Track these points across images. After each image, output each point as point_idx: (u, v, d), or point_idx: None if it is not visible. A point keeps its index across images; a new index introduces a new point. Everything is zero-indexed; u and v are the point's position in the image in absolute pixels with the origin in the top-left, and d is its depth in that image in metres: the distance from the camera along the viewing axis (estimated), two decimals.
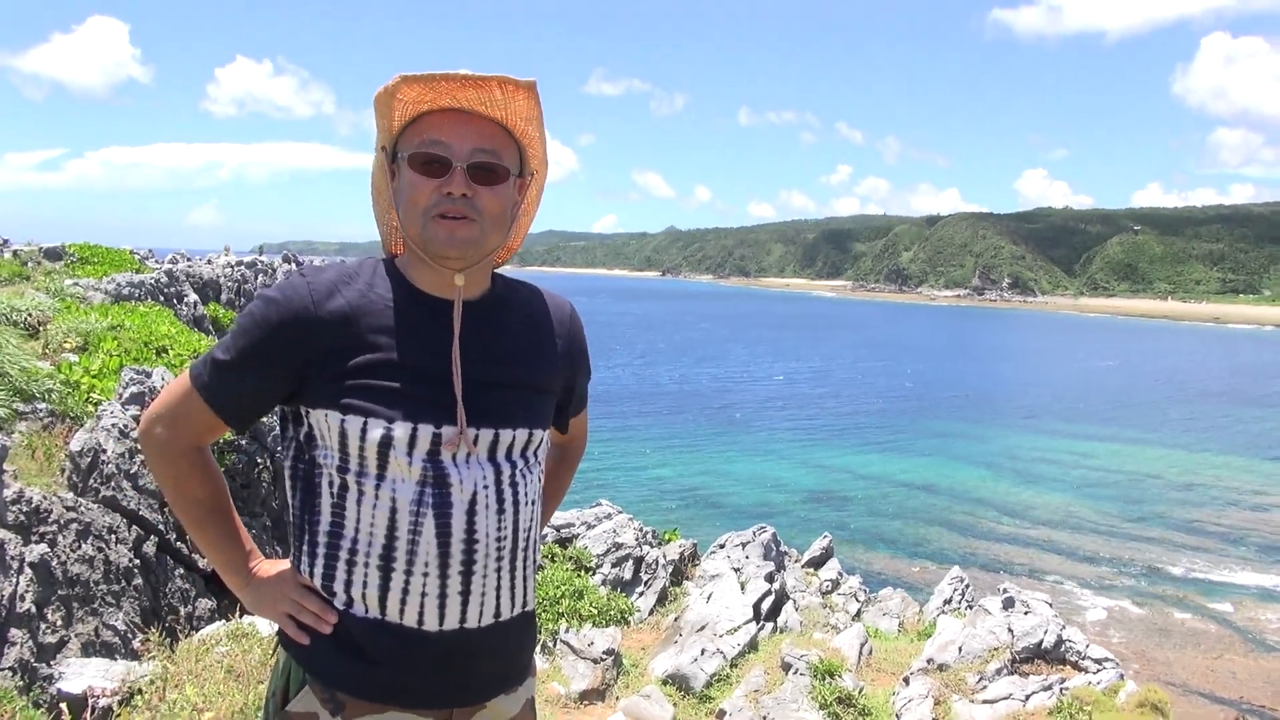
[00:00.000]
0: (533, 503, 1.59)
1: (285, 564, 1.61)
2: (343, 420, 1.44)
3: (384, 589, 1.47)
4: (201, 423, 1.54)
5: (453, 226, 1.47)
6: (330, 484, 1.48)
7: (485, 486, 1.49)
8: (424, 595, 1.47)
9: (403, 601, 1.47)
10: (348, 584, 1.49)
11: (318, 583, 1.51)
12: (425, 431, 1.45)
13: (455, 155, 1.47)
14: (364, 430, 1.43)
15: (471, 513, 1.48)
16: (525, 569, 1.58)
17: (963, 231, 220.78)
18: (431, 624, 1.48)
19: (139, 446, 5.31)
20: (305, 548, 1.53)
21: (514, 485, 1.53)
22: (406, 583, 1.46)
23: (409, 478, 1.45)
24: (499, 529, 1.51)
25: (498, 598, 1.53)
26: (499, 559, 1.51)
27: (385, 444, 1.43)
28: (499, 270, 1.68)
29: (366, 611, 1.48)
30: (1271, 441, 33.62)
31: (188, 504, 1.59)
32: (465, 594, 1.49)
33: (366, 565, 1.47)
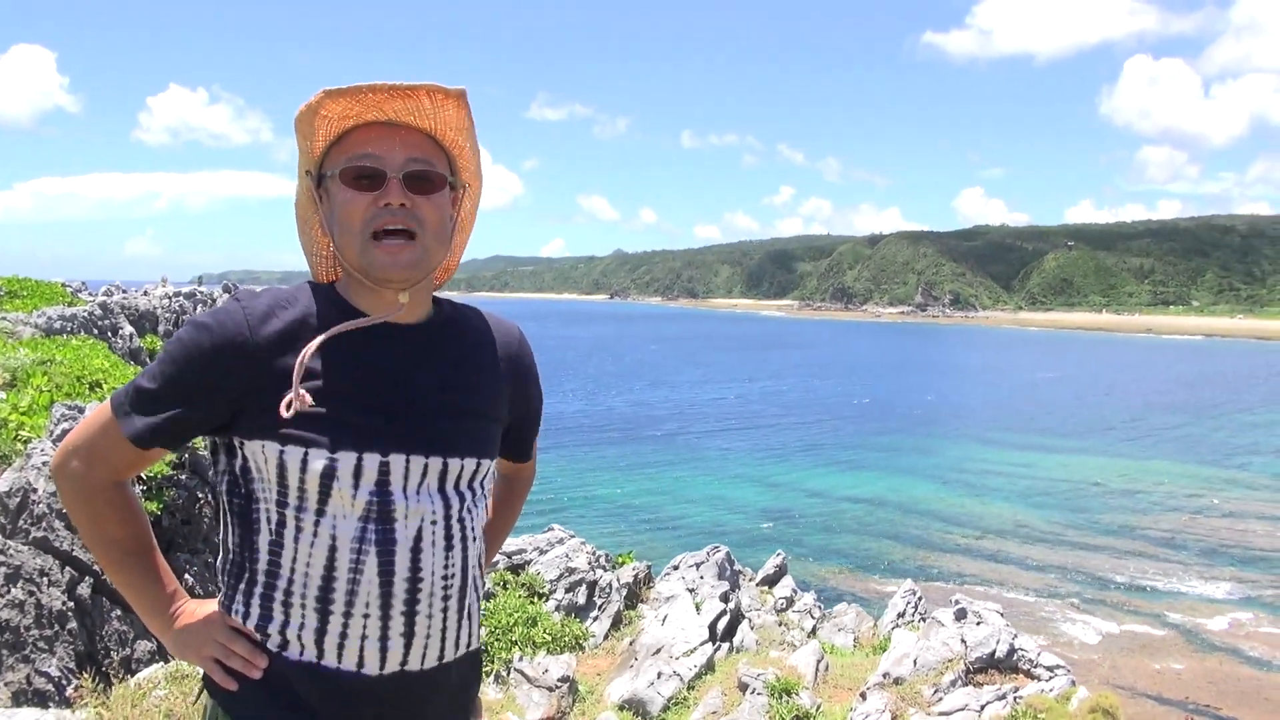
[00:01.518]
0: (478, 539, 1.52)
1: (212, 605, 1.51)
2: (281, 451, 1.35)
3: (321, 631, 1.38)
4: (120, 457, 1.43)
5: (394, 249, 1.39)
6: (269, 519, 1.39)
7: (433, 521, 1.42)
8: (364, 638, 1.38)
9: (341, 645, 1.38)
10: (284, 625, 1.39)
11: (251, 624, 1.42)
12: (371, 461, 1.37)
13: (389, 166, 1.40)
14: (304, 461, 1.35)
15: (417, 550, 1.40)
16: (472, 607, 1.51)
17: (904, 250, 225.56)
18: (372, 667, 1.39)
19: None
20: (241, 586, 1.43)
21: (462, 520, 1.46)
22: (345, 625, 1.38)
23: (351, 512, 1.37)
24: (446, 567, 1.43)
25: (442, 639, 1.45)
26: (445, 598, 1.43)
27: (328, 475, 1.35)
28: (442, 294, 1.62)
29: (302, 653, 1.39)
30: (1206, 447, 34.70)
31: (105, 543, 1.48)
32: (409, 635, 1.41)
33: (304, 606, 1.38)
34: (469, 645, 1.52)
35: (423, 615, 1.41)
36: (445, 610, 1.44)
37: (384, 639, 1.39)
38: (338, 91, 1.39)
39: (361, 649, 1.39)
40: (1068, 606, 16.90)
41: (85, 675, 4.32)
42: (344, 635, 1.38)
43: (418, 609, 1.41)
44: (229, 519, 1.46)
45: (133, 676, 4.36)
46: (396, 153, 1.41)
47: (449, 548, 1.44)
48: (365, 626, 1.38)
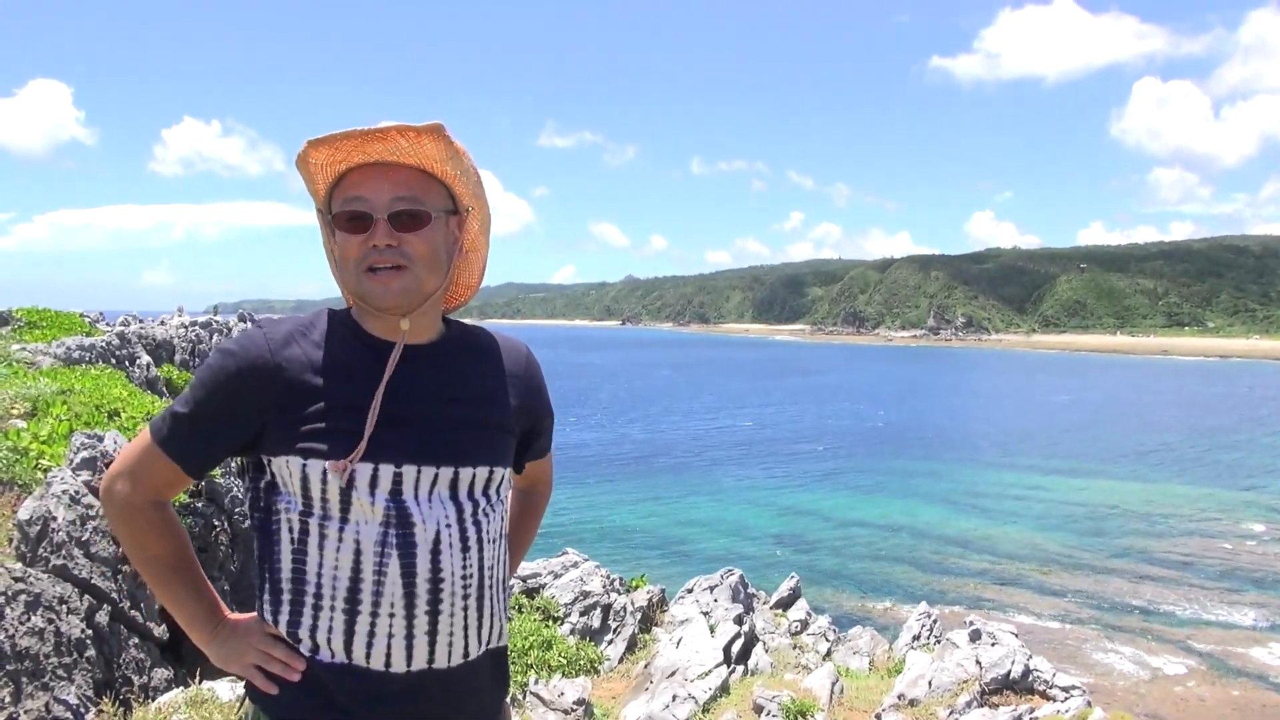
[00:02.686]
0: (496, 541, 1.60)
1: (252, 616, 1.61)
2: (304, 465, 1.47)
3: (349, 632, 1.48)
4: (162, 477, 1.56)
5: (385, 279, 1.50)
6: (290, 529, 1.50)
7: (448, 525, 1.51)
8: (390, 636, 1.48)
9: (369, 644, 1.48)
10: (313, 629, 1.50)
11: (283, 630, 1.53)
12: (386, 471, 1.47)
13: (375, 208, 1.50)
14: (325, 473, 1.46)
15: (436, 552, 1.49)
16: (493, 606, 1.60)
17: (915, 274, 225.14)
18: (399, 665, 1.49)
19: (99, 507, 5.20)
20: (274, 594, 1.54)
21: (477, 523, 1.55)
22: (373, 625, 1.48)
23: (372, 518, 1.47)
24: (464, 567, 1.52)
25: (465, 637, 1.54)
26: (465, 597, 1.53)
27: (348, 485, 1.46)
28: (456, 317, 1.73)
29: (333, 656, 1.49)
30: (1224, 470, 34.33)
31: (149, 561, 1.60)
32: (433, 634, 1.50)
33: (332, 609, 1.48)
34: (491, 643, 1.61)
35: (445, 614, 1.51)
36: (466, 608, 1.53)
37: (409, 637, 1.49)
38: (319, 141, 1.50)
39: (388, 648, 1.48)
40: (1086, 631, 16.71)
41: (106, 701, 4.35)
42: (371, 634, 1.48)
43: (440, 607, 1.50)
44: (259, 532, 1.57)
45: (152, 702, 4.40)
46: (383, 193, 1.51)
47: (465, 549, 1.53)
48: (391, 625, 1.48)
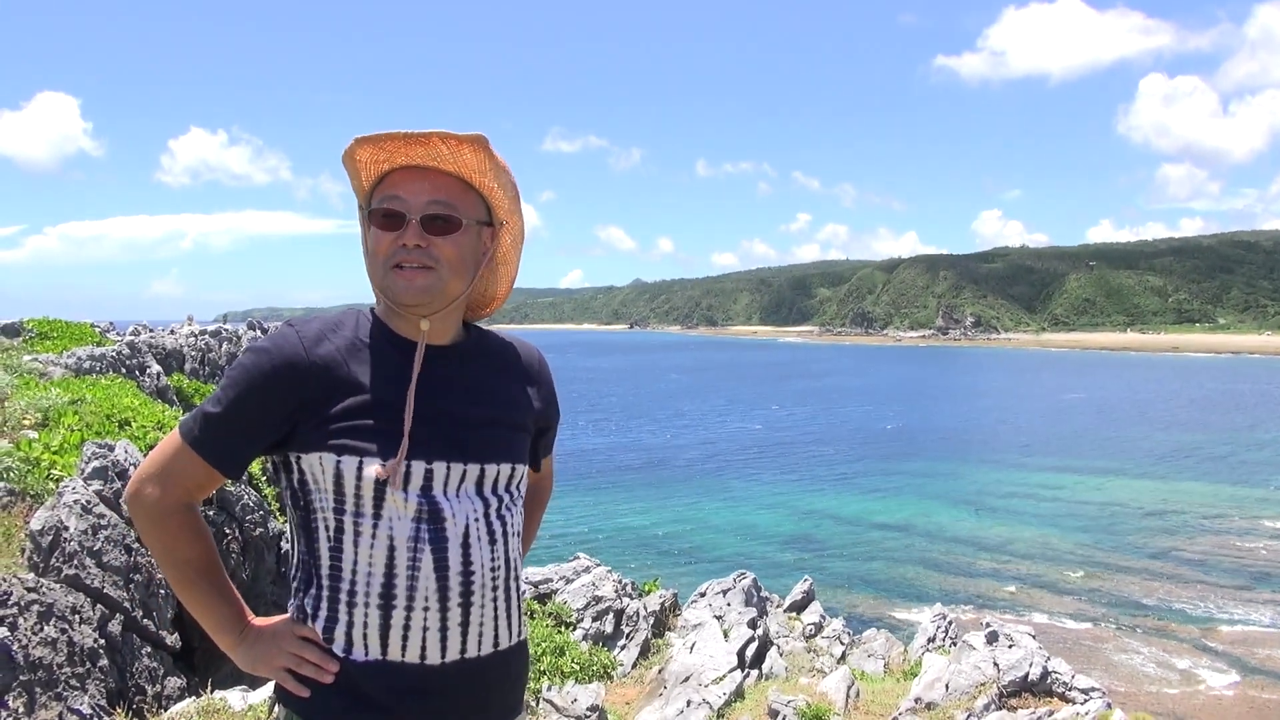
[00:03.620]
0: (517, 535, 1.65)
1: (282, 618, 1.62)
2: (338, 461, 1.49)
3: (385, 626, 1.50)
4: (193, 479, 1.56)
5: (410, 276, 1.54)
6: (327, 527, 1.52)
7: (476, 519, 1.55)
8: (425, 629, 1.51)
9: (404, 638, 1.50)
10: (349, 625, 1.51)
11: (319, 626, 1.54)
12: (418, 467, 1.50)
13: (410, 209, 1.54)
14: (360, 468, 1.48)
15: (466, 545, 1.53)
16: (517, 598, 1.64)
17: (923, 274, 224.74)
18: (434, 657, 1.51)
19: (111, 517, 5.20)
20: (310, 591, 1.56)
21: (501, 517, 1.60)
22: (408, 619, 1.50)
23: (405, 514, 1.49)
24: (492, 559, 1.56)
25: (495, 627, 1.58)
26: (494, 588, 1.57)
27: (381, 481, 1.48)
28: (488, 326, 1.79)
29: (367, 654, 1.51)
30: (1238, 467, 34.17)
31: (180, 565, 1.60)
32: (465, 625, 1.53)
33: (367, 605, 1.50)
34: (519, 635, 1.66)
35: (477, 605, 1.55)
36: (495, 599, 1.58)
37: (443, 629, 1.52)
38: (365, 139, 1.56)
39: (424, 640, 1.51)
40: (1103, 632, 16.62)
41: (119, 710, 4.34)
42: (407, 628, 1.51)
43: (472, 599, 1.54)
44: (293, 531, 1.60)
45: (165, 711, 4.38)
46: (419, 195, 1.55)
47: (493, 542, 1.57)
48: (426, 619, 1.51)
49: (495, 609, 1.57)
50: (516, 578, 1.64)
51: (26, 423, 7.22)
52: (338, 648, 1.52)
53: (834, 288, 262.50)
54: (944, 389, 76.03)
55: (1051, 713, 5.34)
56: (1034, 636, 6.36)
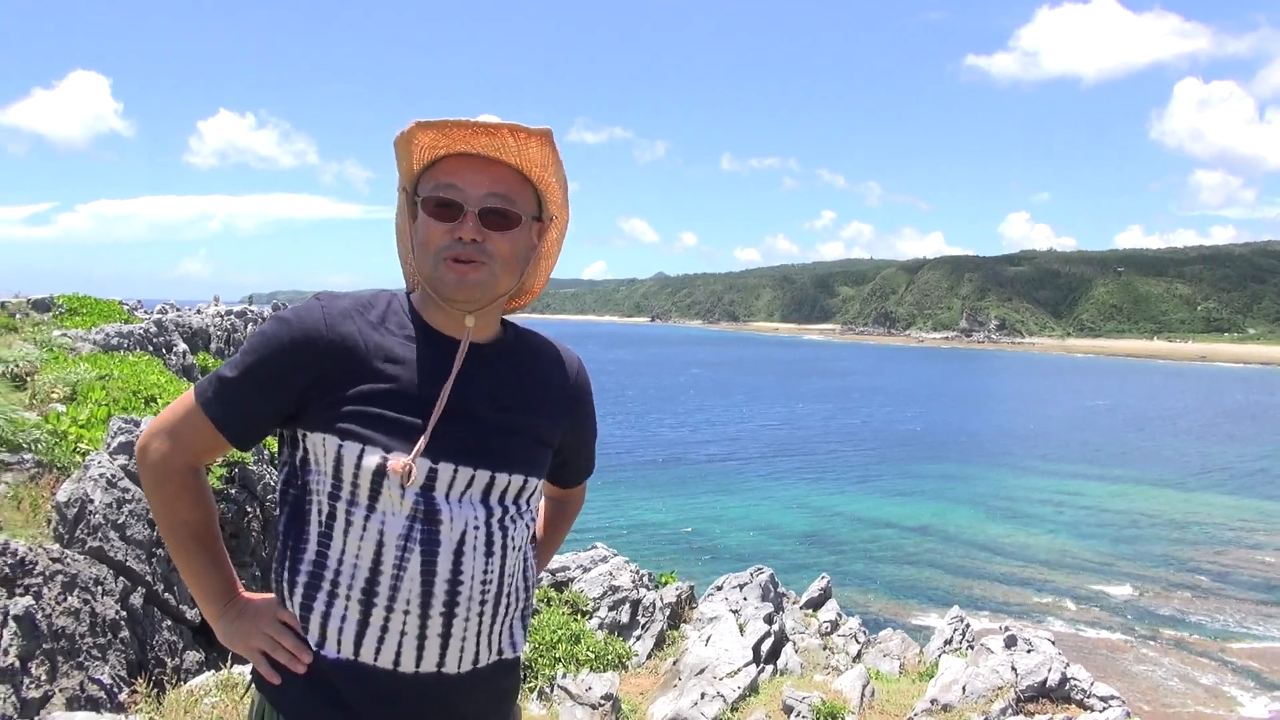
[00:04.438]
0: (520, 549, 1.55)
1: (267, 597, 1.56)
2: (340, 446, 1.42)
3: (362, 624, 1.43)
4: (201, 440, 1.51)
5: (463, 270, 1.47)
6: (320, 511, 1.46)
7: (476, 527, 1.47)
8: (403, 634, 1.43)
9: (380, 640, 1.43)
10: (325, 617, 1.44)
11: (295, 612, 1.47)
12: (421, 465, 1.42)
13: (468, 200, 1.47)
14: (360, 457, 1.41)
15: (459, 553, 1.45)
16: (510, 615, 1.55)
17: (947, 276, 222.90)
18: (408, 665, 1.44)
19: (136, 491, 5.25)
20: (286, 575, 1.49)
21: (504, 529, 1.51)
22: (386, 620, 1.43)
23: (400, 510, 1.42)
24: (485, 572, 1.48)
25: (477, 643, 1.49)
26: (482, 603, 1.48)
27: (380, 473, 1.41)
28: (511, 318, 1.69)
29: (339, 652, 1.44)
30: (1262, 480, 33.66)
31: (175, 525, 1.55)
32: (445, 636, 1.45)
33: (348, 599, 1.43)
34: (503, 653, 1.55)
35: (460, 617, 1.46)
36: (481, 615, 1.48)
37: (421, 637, 1.44)
38: (428, 124, 1.46)
39: (399, 646, 1.43)
40: (1121, 640, 16.45)
41: (139, 681, 4.38)
42: (384, 630, 1.43)
43: (456, 611, 1.45)
44: (284, 509, 1.52)
45: (184, 684, 4.42)
46: (478, 186, 1.48)
47: (489, 554, 1.48)
48: (405, 623, 1.43)
49: (480, 625, 1.48)
50: (513, 593, 1.55)
51: (55, 396, 7.31)
52: (312, 638, 1.45)
53: (857, 287, 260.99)
54: (966, 391, 75.48)
55: (1070, 719, 5.29)
56: (1053, 642, 6.31)
